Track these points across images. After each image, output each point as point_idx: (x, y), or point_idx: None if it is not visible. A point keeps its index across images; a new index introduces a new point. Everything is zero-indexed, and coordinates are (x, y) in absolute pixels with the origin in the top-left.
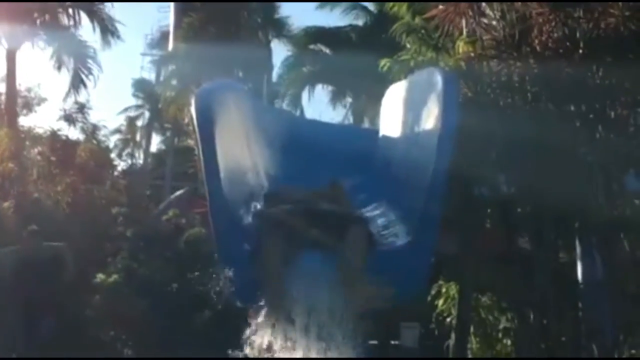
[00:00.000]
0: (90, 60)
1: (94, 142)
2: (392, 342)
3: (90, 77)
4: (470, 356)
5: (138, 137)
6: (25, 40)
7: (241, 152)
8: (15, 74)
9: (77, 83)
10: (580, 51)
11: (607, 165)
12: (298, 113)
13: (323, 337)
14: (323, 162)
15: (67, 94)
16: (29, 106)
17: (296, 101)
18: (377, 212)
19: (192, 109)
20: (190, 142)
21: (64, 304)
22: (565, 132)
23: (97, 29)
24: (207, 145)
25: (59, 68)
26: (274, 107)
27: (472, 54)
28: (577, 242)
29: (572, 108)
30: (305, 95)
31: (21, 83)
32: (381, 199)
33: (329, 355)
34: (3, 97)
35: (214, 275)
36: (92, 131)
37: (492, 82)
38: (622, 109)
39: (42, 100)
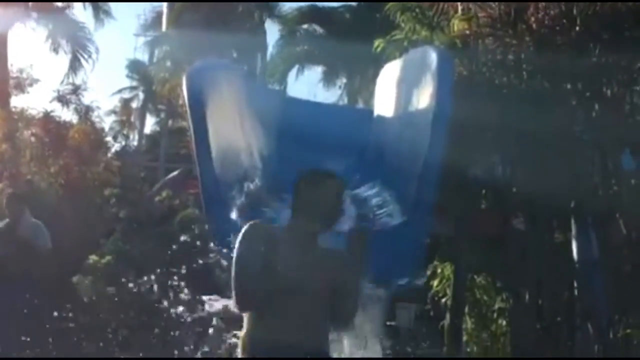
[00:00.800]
0: (87, 42)
1: (88, 123)
2: (387, 323)
3: (88, 59)
4: (465, 336)
5: (132, 119)
6: (17, 21)
7: (234, 132)
8: (7, 55)
9: (75, 65)
10: (577, 29)
11: (603, 145)
12: (288, 93)
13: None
14: (317, 142)
15: (66, 76)
16: (21, 87)
17: (286, 81)
18: (371, 191)
19: (183, 88)
20: (184, 123)
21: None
22: (561, 111)
23: (90, 9)
24: (198, 124)
25: (56, 50)
26: (267, 87)
27: (467, 32)
28: (572, 222)
29: (569, 86)
30: (298, 75)
31: (13, 64)
32: (375, 178)
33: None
34: None
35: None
36: (85, 113)
37: (488, 61)
38: (619, 88)
39: (34, 82)
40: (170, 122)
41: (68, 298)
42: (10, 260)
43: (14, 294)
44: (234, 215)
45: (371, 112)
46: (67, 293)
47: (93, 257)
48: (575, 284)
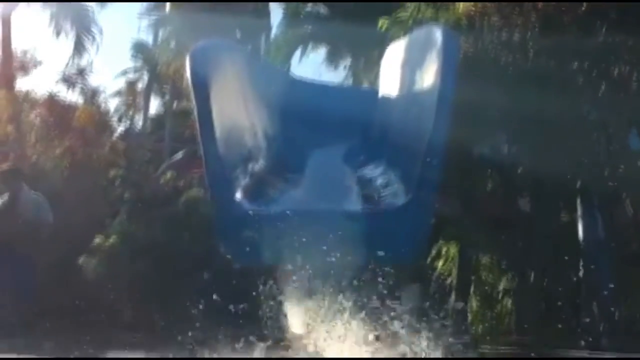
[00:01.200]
0: (91, 24)
1: (93, 105)
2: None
3: (93, 41)
4: (470, 316)
5: (137, 100)
6: (21, 3)
7: (238, 112)
8: (11, 37)
9: (80, 47)
10: (583, 7)
11: (610, 125)
12: (293, 74)
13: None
14: (322, 122)
15: (70, 58)
16: (25, 69)
17: (290, 62)
18: (376, 172)
19: (187, 69)
20: (189, 104)
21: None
22: (567, 90)
23: None
24: (202, 105)
25: (59, 32)
26: (271, 68)
27: (473, 11)
28: (578, 203)
29: (575, 66)
30: (302, 56)
31: (17, 46)
32: (380, 159)
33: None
34: None
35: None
36: (91, 94)
37: (494, 40)
38: (626, 67)
39: (38, 63)
40: (175, 103)
41: (74, 278)
42: (10, 239)
43: (16, 273)
44: (238, 195)
45: (376, 92)
46: (73, 273)
47: (98, 238)
48: (581, 264)
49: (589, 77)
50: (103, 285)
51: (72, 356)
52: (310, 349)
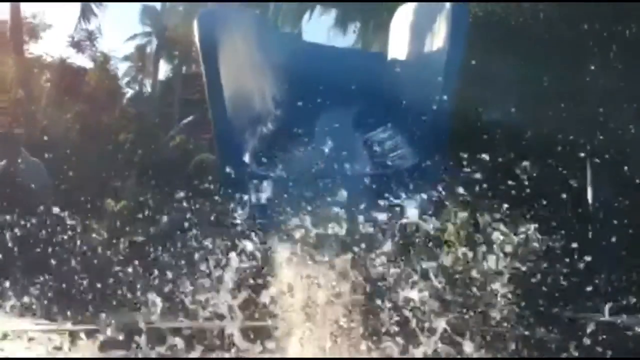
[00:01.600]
0: None
1: (103, 69)
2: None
3: (100, 5)
4: (481, 279)
5: (146, 65)
6: None
7: (246, 76)
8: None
9: (87, 11)
10: None
11: (621, 87)
12: (301, 37)
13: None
14: (331, 86)
15: (78, 22)
16: (34, 33)
17: (300, 25)
18: (385, 134)
19: (195, 33)
20: (198, 68)
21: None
22: (577, 53)
23: None
24: (210, 69)
25: None
26: (281, 32)
27: None
28: (588, 165)
29: (586, 27)
30: (311, 20)
31: (26, 9)
32: (389, 121)
33: None
34: (9, 24)
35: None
36: (100, 59)
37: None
38: (637, 29)
39: (47, 27)
40: (184, 68)
41: (85, 241)
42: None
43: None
44: (247, 158)
45: (384, 55)
46: (83, 237)
47: (109, 201)
48: (590, 225)
49: (600, 38)
50: (114, 248)
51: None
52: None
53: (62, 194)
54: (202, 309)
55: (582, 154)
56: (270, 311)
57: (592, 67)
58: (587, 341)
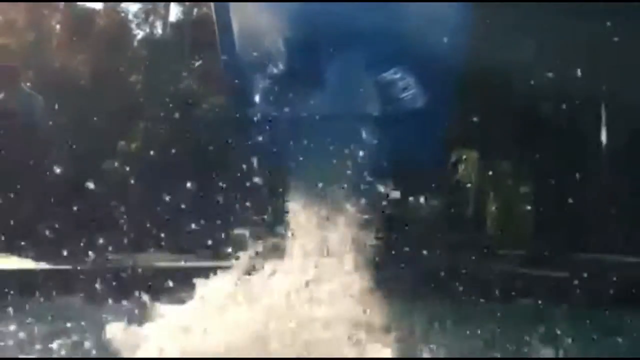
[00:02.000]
0: None
1: (113, 10)
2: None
3: None
4: (488, 221)
5: (157, 7)
6: None
7: (256, 17)
8: None
9: None
10: None
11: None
12: None
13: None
14: (341, 29)
15: None
16: None
17: None
18: (395, 76)
19: None
20: (210, 12)
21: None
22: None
23: None
24: (220, 11)
25: None
26: None
27: None
28: (602, 109)
29: None
30: None
31: None
32: (400, 62)
33: None
34: None
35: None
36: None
37: None
38: None
39: None
40: (194, 10)
41: (97, 184)
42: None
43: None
44: (257, 99)
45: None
46: (96, 179)
47: (121, 142)
48: (603, 170)
49: None
50: (126, 190)
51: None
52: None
53: (71, 134)
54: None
55: (598, 97)
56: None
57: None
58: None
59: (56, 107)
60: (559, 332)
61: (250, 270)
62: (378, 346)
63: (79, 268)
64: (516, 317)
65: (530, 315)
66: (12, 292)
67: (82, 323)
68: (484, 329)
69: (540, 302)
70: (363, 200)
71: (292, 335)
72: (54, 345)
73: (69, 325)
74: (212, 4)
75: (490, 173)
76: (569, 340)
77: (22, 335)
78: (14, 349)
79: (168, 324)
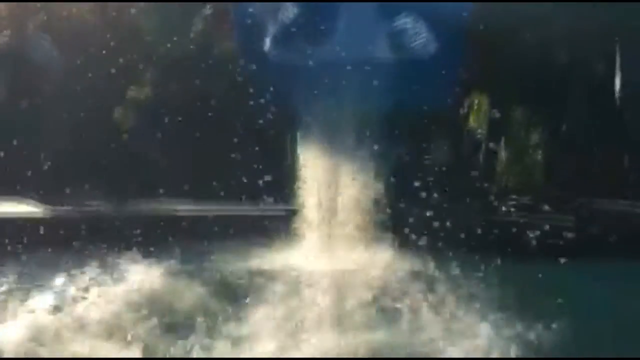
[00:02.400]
0: None
1: None
2: (425, 158)
3: None
4: (499, 169)
5: None
6: None
7: None
8: None
9: None
10: None
11: None
12: None
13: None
14: None
15: None
16: None
17: None
18: (407, 20)
19: None
20: None
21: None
22: None
23: None
24: None
25: None
26: None
27: None
28: (617, 55)
29: None
30: None
31: None
32: (412, 9)
33: None
34: None
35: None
36: None
37: None
38: None
39: None
40: None
41: (109, 131)
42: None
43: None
44: (266, 47)
45: None
46: (107, 126)
47: (132, 88)
48: (618, 116)
49: None
50: (138, 135)
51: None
52: None
53: (83, 76)
54: None
55: (613, 42)
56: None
57: None
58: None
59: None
60: (565, 277)
61: None
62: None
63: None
64: (523, 264)
65: (537, 263)
66: None
67: None
68: (489, 275)
69: (546, 248)
70: (375, 146)
71: None
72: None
73: None
74: None
75: (500, 119)
76: (575, 287)
77: None
78: None
79: None
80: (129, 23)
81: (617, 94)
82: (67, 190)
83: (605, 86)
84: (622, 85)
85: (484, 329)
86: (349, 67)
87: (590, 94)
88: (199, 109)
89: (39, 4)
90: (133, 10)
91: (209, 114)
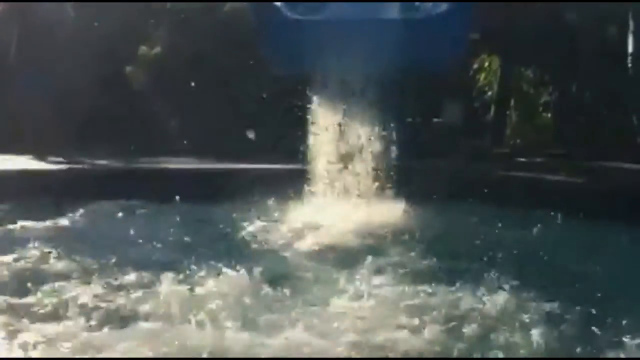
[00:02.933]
0: None
1: None
2: (435, 120)
3: None
4: (508, 130)
5: None
6: None
7: None
8: None
9: None
10: None
11: None
12: None
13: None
14: None
15: None
16: None
17: None
18: None
19: None
20: None
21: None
22: None
23: None
24: None
25: None
26: None
27: None
28: (630, 17)
29: None
30: None
31: None
32: None
33: None
34: None
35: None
36: None
37: None
38: None
39: None
40: None
41: (120, 88)
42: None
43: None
44: (279, 3)
45: None
46: (119, 83)
47: (143, 48)
48: (626, 79)
49: None
50: (149, 95)
51: None
52: None
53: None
54: None
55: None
56: None
57: None
58: None
59: None
60: (574, 241)
61: None
62: None
63: None
64: (533, 226)
65: (546, 223)
66: None
67: None
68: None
69: (556, 210)
70: (385, 105)
71: None
72: None
73: None
74: None
75: (511, 79)
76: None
77: None
78: None
79: None
80: None
81: (629, 56)
82: (77, 147)
83: (617, 47)
84: (635, 46)
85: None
86: (356, 27)
87: (602, 55)
88: (209, 67)
89: None
90: None
91: (219, 71)
